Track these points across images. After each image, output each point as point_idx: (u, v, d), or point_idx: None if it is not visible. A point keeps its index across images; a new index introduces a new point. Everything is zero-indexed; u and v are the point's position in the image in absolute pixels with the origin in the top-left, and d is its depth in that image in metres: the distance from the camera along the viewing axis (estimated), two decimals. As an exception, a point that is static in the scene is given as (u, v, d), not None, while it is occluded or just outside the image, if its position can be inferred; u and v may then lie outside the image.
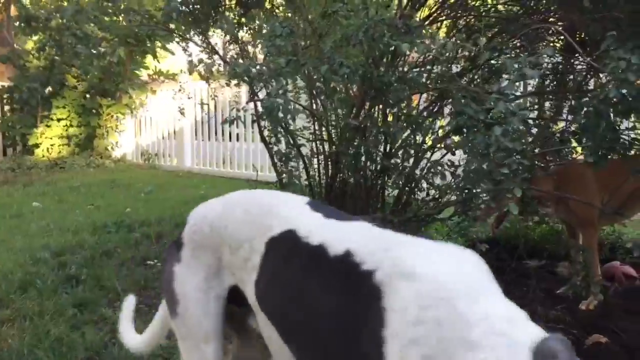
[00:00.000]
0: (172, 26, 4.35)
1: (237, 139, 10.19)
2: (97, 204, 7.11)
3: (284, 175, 4.05)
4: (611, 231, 4.88)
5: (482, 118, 2.44)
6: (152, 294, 3.97)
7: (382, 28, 2.86)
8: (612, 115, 2.44)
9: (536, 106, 3.99)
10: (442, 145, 3.41)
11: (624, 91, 2.25)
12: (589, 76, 3.56)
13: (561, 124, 3.42)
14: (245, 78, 3.16)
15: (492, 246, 5.00)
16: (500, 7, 4.11)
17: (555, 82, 3.72)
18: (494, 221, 3.78)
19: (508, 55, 2.92)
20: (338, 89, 3.39)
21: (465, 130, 2.50)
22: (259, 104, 4.03)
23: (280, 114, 2.95)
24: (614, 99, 2.22)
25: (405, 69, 3.19)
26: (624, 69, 2.21)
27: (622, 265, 4.27)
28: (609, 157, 2.63)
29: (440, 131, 3.69)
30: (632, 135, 2.58)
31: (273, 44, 2.90)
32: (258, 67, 3.27)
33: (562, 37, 3.63)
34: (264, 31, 3.88)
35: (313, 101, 3.82)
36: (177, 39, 4.25)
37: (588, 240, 3.68)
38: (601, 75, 3.06)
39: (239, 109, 3.79)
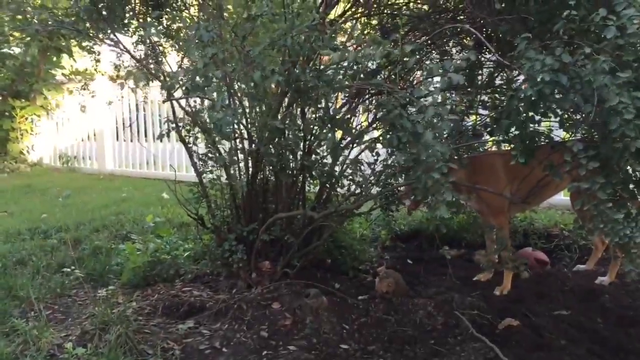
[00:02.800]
0: (88, 25, 4.19)
1: (161, 140, 9.96)
2: (10, 210, 6.80)
3: (204, 174, 4.02)
4: (523, 218, 5.11)
5: (409, 127, 2.49)
6: (69, 301, 3.85)
7: (307, 32, 2.89)
8: (524, 111, 2.55)
9: (448, 101, 4.11)
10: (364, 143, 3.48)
11: (537, 88, 2.37)
12: (498, 73, 3.71)
13: (472, 118, 3.56)
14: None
15: (414, 237, 5.20)
16: (411, 5, 4.22)
17: (466, 78, 3.86)
18: (411, 202, 3.89)
19: (435, 62, 2.99)
20: (253, 86, 3.38)
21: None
22: (176, 105, 3.98)
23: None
24: (532, 97, 2.33)
25: (322, 67, 3.22)
26: (539, 70, 2.33)
27: (535, 251, 4.49)
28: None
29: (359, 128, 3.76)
30: (540, 129, 2.71)
31: (204, 53, 2.86)
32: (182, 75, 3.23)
33: (472, 35, 3.76)
34: (182, 34, 3.81)
35: (231, 99, 3.78)
36: (86, 40, 4.10)
37: (500, 227, 3.85)
38: (510, 71, 3.20)
39: (171, 120, 3.74)
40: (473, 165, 3.74)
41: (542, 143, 2.77)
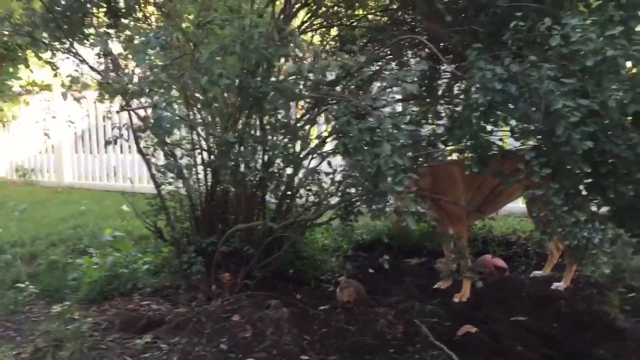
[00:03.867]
0: (45, 35, 4.10)
1: (122, 151, 9.80)
2: (-38, 225, 6.59)
3: (163, 186, 3.97)
4: (482, 226, 5.19)
5: (368, 139, 2.51)
6: (22, 318, 3.74)
7: (258, 39, 2.88)
8: (477, 120, 2.60)
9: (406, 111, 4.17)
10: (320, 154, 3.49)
11: (488, 98, 2.42)
12: (452, 83, 3.78)
13: (428, 127, 3.60)
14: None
15: (376, 246, 5.22)
16: (370, 16, 4.27)
17: (422, 88, 3.92)
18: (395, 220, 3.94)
19: (388, 73, 3.02)
20: (212, 98, 3.37)
21: (351, 150, 2.57)
22: (134, 115, 3.93)
23: (168, 125, 2.92)
24: (482, 106, 2.37)
25: (281, 78, 3.22)
26: (490, 79, 2.37)
27: (494, 258, 4.56)
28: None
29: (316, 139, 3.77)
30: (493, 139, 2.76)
31: (148, 57, 2.84)
32: (135, 81, 3.20)
33: (428, 46, 3.82)
34: (136, 41, 3.76)
35: (190, 111, 3.76)
36: (42, 50, 4.01)
37: (459, 235, 3.90)
38: (462, 82, 3.26)
39: (120, 127, 3.68)
40: (433, 174, 3.79)
41: (495, 152, 2.82)
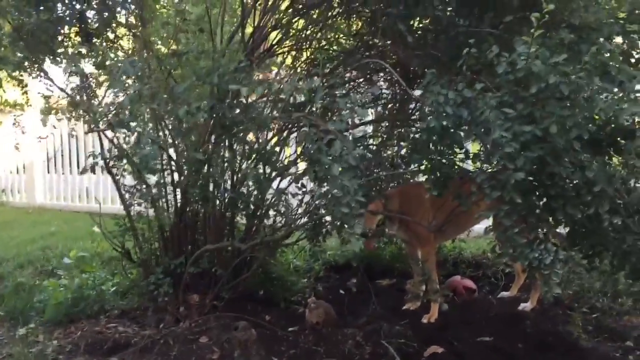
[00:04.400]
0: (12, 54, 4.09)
1: (94, 172, 9.70)
2: None
3: (132, 207, 3.96)
4: (452, 248, 5.25)
5: (325, 163, 2.54)
6: (-15, 342, 3.67)
7: (229, 70, 2.94)
8: (433, 143, 2.66)
9: (372, 132, 4.25)
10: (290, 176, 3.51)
11: (445, 123, 2.48)
12: (417, 106, 3.85)
13: (392, 149, 3.67)
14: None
15: (347, 268, 5.24)
16: (342, 40, 4.35)
17: (386, 111, 4.00)
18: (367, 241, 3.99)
19: (340, 94, 3.08)
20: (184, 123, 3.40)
21: (314, 175, 2.61)
22: (103, 137, 3.92)
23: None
24: (435, 130, 2.43)
25: (249, 102, 3.27)
26: (442, 103, 2.44)
27: (463, 279, 4.61)
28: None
29: (286, 161, 3.80)
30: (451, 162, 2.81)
31: (123, 85, 2.86)
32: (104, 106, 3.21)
33: (397, 70, 3.90)
34: (108, 62, 3.77)
35: (160, 131, 3.77)
36: (11, 69, 3.99)
37: (426, 257, 3.94)
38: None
39: (95, 155, 3.68)
40: (401, 196, 3.83)
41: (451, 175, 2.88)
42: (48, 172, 10.32)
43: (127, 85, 3.00)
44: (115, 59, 3.99)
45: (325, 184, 2.57)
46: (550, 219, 2.55)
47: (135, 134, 3.00)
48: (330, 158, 2.44)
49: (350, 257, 5.29)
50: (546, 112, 2.29)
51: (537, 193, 2.49)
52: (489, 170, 2.55)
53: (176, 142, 3.74)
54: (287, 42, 4.04)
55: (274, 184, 3.73)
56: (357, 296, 4.40)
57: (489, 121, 2.29)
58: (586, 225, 2.48)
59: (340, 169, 2.38)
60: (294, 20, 3.89)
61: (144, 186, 3.75)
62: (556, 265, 2.32)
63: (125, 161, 3.82)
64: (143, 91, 3.02)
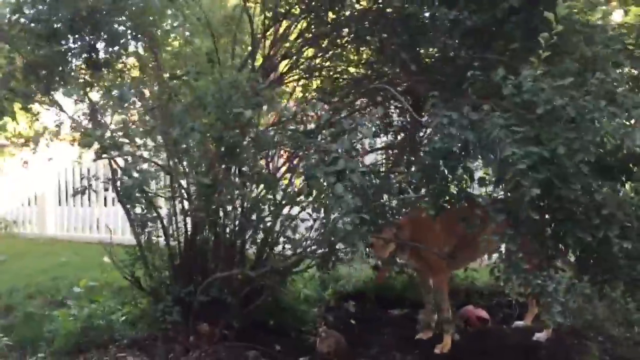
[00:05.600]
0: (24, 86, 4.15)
1: (105, 204, 9.76)
2: (-60, 277, 6.45)
3: (142, 236, 3.95)
4: (465, 277, 5.18)
5: (332, 181, 2.54)
6: (-7, 371, 3.65)
7: (231, 92, 2.95)
8: (442, 168, 2.65)
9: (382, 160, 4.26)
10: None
11: (449, 144, 2.47)
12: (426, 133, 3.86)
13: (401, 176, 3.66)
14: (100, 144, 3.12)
15: (358, 297, 5.18)
16: (351, 69, 4.39)
17: (397, 138, 4.01)
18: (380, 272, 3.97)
19: (342, 116, 3.10)
20: (192, 149, 3.41)
21: (308, 190, 2.61)
22: (114, 164, 3.95)
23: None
24: (439, 152, 2.43)
25: (257, 129, 3.28)
26: (447, 124, 2.44)
27: (476, 309, 4.54)
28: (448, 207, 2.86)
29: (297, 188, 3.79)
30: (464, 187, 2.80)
31: (122, 109, 2.90)
32: (110, 132, 3.24)
33: (407, 97, 3.91)
34: (114, 92, 3.82)
35: (170, 159, 3.79)
36: (24, 102, 4.06)
37: (438, 285, 3.89)
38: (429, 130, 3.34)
39: (89, 177, 3.69)
40: (412, 224, 3.81)
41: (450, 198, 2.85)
42: (59, 204, 10.39)
43: (126, 108, 3.03)
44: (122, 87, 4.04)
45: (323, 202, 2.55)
46: (559, 243, 2.52)
47: (127, 158, 3.02)
48: (334, 177, 2.43)
49: (361, 286, 5.25)
50: (552, 134, 2.28)
51: (545, 216, 2.46)
52: (497, 194, 2.53)
53: (187, 170, 3.75)
54: (297, 70, 4.08)
55: (284, 211, 3.71)
56: (369, 326, 4.34)
57: (496, 141, 2.28)
58: (596, 250, 2.44)
59: (343, 187, 2.36)
60: (303, 49, 3.93)
61: (154, 214, 3.75)
62: (559, 294, 2.28)
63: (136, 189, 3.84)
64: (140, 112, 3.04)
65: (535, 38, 2.43)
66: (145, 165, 3.04)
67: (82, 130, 3.70)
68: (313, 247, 3.56)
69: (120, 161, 3.75)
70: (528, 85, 2.28)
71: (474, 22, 2.85)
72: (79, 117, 3.89)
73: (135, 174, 2.81)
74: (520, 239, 2.37)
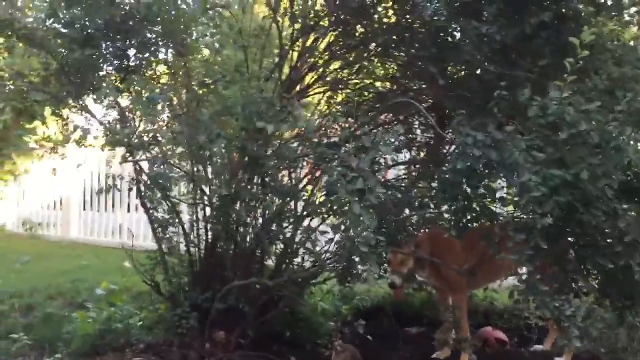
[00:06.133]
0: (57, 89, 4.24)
1: (128, 210, 9.88)
2: (-37, 274, 6.57)
3: (164, 242, 3.98)
4: (484, 298, 5.12)
5: (351, 199, 2.53)
6: (13, 369, 3.69)
7: (257, 105, 2.98)
8: (465, 187, 2.62)
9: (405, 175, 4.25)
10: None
11: (471, 164, 2.45)
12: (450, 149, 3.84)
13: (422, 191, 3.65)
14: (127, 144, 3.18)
15: (375, 313, 5.14)
16: (377, 83, 4.40)
17: (421, 153, 4.00)
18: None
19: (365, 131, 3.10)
20: (216, 158, 3.45)
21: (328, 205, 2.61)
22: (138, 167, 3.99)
23: (166, 183, 2.99)
24: (461, 171, 2.41)
25: (280, 142, 3.31)
26: (470, 144, 2.42)
27: (494, 330, 4.48)
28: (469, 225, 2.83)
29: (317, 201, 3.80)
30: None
31: (150, 112, 2.95)
32: (137, 133, 3.29)
33: (433, 114, 3.90)
34: (144, 96, 3.88)
35: (194, 167, 3.82)
36: (55, 106, 4.14)
37: (457, 303, 3.85)
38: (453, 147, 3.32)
39: (114, 176, 3.73)
40: (432, 240, 3.78)
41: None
42: (84, 209, 10.55)
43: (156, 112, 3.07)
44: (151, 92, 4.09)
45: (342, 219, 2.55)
46: (581, 267, 2.47)
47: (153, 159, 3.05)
48: (354, 195, 2.42)
49: (379, 302, 5.21)
50: (577, 158, 2.25)
51: (567, 240, 2.42)
52: (518, 214, 2.50)
53: (210, 178, 3.78)
54: (322, 82, 4.10)
55: (304, 223, 3.72)
56: (385, 342, 4.30)
57: (517, 163, 2.26)
58: (617, 276, 2.39)
59: (361, 206, 2.35)
60: (330, 61, 3.95)
61: (176, 220, 3.79)
62: (577, 318, 2.23)
63: (159, 194, 3.88)
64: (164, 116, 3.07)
65: (564, 55, 2.41)
66: (168, 168, 3.07)
67: (110, 132, 3.75)
68: (332, 261, 3.55)
69: (145, 165, 3.81)
70: (553, 107, 2.26)
71: (503, 37, 2.83)
72: (108, 122, 3.95)
73: (159, 169, 2.84)
74: (539, 260, 2.33)
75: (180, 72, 3.92)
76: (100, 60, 3.80)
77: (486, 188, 2.61)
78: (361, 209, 2.35)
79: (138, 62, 3.86)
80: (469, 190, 2.60)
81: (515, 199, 2.57)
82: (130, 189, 3.90)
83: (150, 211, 3.97)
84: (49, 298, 5.41)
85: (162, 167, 3.28)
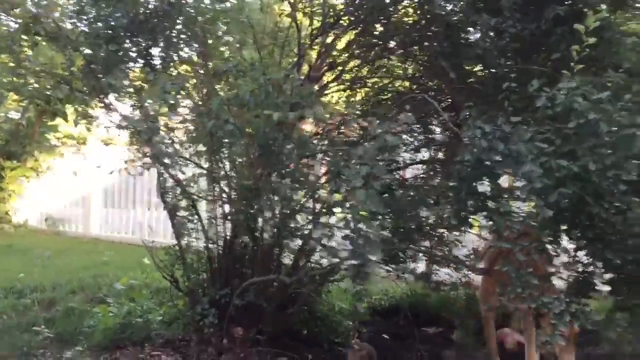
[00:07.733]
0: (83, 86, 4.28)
1: (149, 208, 9.99)
2: (-12, 269, 6.70)
3: (183, 237, 4.02)
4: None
5: (357, 185, 2.52)
6: (34, 360, 3.76)
7: (268, 90, 2.97)
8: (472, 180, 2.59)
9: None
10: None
11: (479, 155, 2.43)
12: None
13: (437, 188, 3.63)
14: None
15: (393, 312, 5.14)
16: (396, 83, 4.40)
17: (437, 153, 3.98)
18: None
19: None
20: (236, 156, 3.46)
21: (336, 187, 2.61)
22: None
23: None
24: (468, 162, 2.39)
25: (298, 133, 3.31)
26: (480, 137, 2.40)
27: (512, 332, 4.45)
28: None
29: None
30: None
31: (163, 99, 2.98)
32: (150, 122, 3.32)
33: (451, 113, 3.89)
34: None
35: (214, 164, 3.86)
36: (79, 103, 4.20)
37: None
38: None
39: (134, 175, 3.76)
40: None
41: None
42: (105, 206, 10.70)
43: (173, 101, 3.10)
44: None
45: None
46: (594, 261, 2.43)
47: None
48: (359, 182, 2.40)
49: (397, 301, 5.21)
50: (584, 148, 2.21)
51: (576, 234, 2.38)
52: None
53: (229, 174, 3.81)
54: (341, 81, 4.11)
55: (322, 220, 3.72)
56: (402, 342, 4.30)
57: (521, 154, 2.23)
58: (627, 272, 2.35)
59: (365, 193, 2.34)
60: (349, 60, 3.96)
61: (195, 216, 3.82)
62: (565, 318, 2.20)
63: (179, 191, 3.92)
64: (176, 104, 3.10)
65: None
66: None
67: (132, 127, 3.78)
68: (346, 257, 3.55)
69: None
70: (561, 98, 2.22)
71: (519, 31, 2.81)
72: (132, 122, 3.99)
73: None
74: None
75: (202, 71, 3.95)
76: (125, 58, 3.83)
77: (492, 179, 2.55)
78: (366, 195, 2.34)
79: (162, 61, 3.89)
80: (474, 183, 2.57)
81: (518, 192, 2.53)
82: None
83: (170, 208, 4.01)
84: (71, 292, 5.50)
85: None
